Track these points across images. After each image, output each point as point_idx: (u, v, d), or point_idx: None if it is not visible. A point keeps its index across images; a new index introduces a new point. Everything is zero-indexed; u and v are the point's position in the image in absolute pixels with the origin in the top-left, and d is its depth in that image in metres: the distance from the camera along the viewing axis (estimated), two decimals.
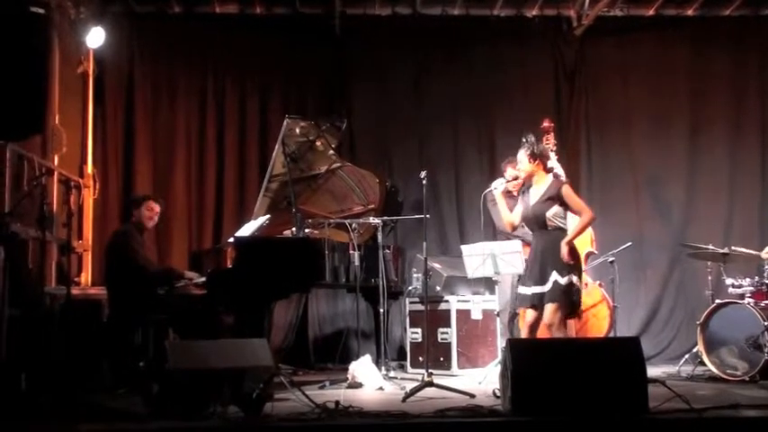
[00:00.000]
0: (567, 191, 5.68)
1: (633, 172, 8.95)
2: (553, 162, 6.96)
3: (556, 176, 6.10)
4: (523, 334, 5.79)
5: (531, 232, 7.22)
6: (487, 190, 6.20)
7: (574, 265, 5.56)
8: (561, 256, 5.50)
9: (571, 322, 6.82)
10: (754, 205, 8.88)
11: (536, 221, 5.69)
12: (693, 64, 9.07)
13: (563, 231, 5.65)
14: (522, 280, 5.85)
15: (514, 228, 6.03)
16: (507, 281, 7.06)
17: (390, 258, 7.40)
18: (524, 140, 5.80)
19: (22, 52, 4.88)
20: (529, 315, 5.70)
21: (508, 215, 5.96)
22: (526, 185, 5.92)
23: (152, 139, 8.64)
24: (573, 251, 5.59)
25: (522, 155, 5.77)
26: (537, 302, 5.59)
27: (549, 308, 5.50)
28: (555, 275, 5.50)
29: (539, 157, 5.76)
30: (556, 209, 5.66)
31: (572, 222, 5.74)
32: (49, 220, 6.59)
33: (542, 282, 5.55)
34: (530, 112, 8.54)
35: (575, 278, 5.54)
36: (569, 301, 5.55)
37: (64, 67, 7.73)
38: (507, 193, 7.49)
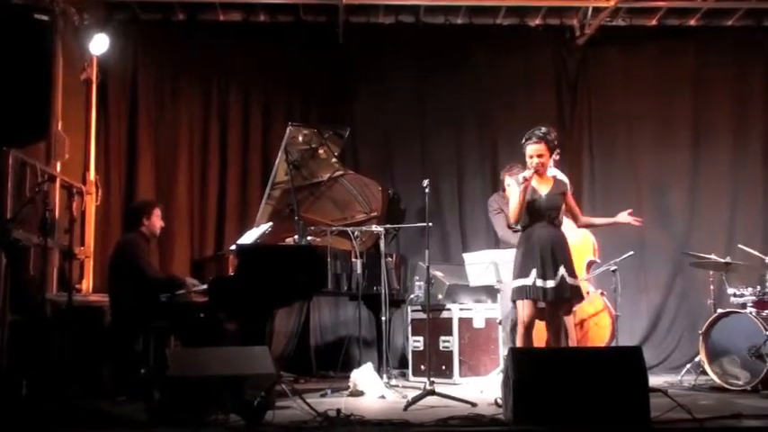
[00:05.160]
0: (570, 190, 5.80)
1: (636, 180, 8.96)
2: (555, 170, 6.95)
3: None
4: (519, 332, 5.59)
5: None
6: (515, 179, 5.95)
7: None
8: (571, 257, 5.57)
9: (573, 330, 6.82)
10: (756, 214, 8.89)
11: (549, 212, 5.61)
12: (696, 73, 9.08)
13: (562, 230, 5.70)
14: (520, 272, 5.60)
15: (518, 221, 5.75)
16: (509, 289, 7.04)
17: (392, 266, 7.41)
18: (543, 132, 5.68)
19: (26, 59, 4.89)
20: (527, 309, 5.50)
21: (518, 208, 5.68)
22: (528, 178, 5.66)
23: (155, 145, 8.64)
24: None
25: (543, 148, 5.65)
26: (541, 296, 5.47)
27: (564, 311, 5.56)
28: (563, 271, 5.47)
29: (556, 148, 5.72)
30: (564, 206, 5.70)
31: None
32: (51, 226, 6.60)
33: (547, 276, 5.48)
34: (532, 120, 8.43)
35: (577, 280, 5.61)
36: (570, 301, 5.62)
37: (67, 74, 7.74)
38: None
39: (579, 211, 5.91)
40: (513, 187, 5.70)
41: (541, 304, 5.54)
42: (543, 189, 5.65)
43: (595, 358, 5.00)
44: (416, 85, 8.98)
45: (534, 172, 5.61)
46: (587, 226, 6.23)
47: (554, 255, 5.52)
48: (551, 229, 5.62)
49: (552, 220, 5.63)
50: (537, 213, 5.62)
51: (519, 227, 5.75)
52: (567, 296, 5.51)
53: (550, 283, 5.47)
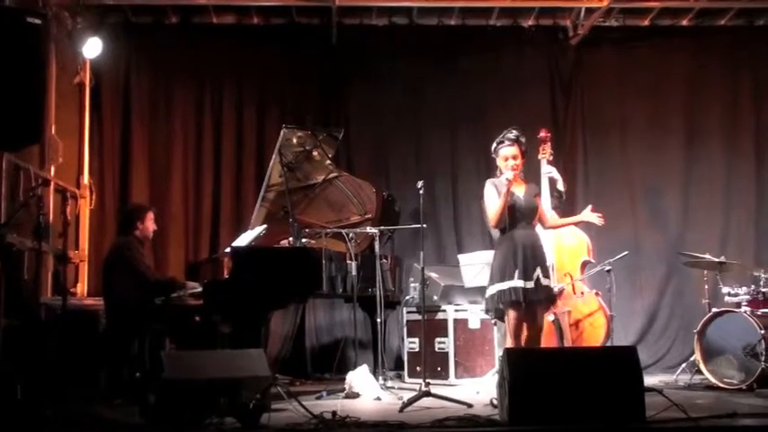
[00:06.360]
0: (563, 188, 5.80)
1: (629, 181, 8.98)
2: (548, 168, 6.95)
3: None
4: (509, 338, 5.53)
5: None
6: (491, 183, 5.86)
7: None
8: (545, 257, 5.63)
9: (568, 330, 6.82)
10: (750, 213, 8.91)
11: (530, 214, 5.64)
12: (689, 73, 9.11)
13: None
14: (502, 274, 5.53)
15: (499, 224, 5.63)
16: None
17: (387, 268, 7.39)
18: (516, 134, 5.62)
19: (19, 63, 4.88)
20: (513, 320, 5.46)
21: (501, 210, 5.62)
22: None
23: (148, 149, 8.64)
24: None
25: (517, 150, 5.63)
26: (521, 297, 5.42)
27: (541, 313, 5.53)
28: (538, 272, 5.49)
29: (526, 150, 5.74)
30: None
31: None
32: (46, 230, 6.56)
33: (528, 277, 5.46)
34: (526, 121, 8.46)
35: (550, 281, 5.65)
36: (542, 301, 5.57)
37: (60, 78, 7.74)
38: None
39: (545, 213, 5.93)
40: (491, 190, 5.66)
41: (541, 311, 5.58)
42: (519, 191, 5.67)
43: (591, 358, 5.01)
44: (410, 87, 8.99)
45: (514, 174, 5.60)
46: (554, 227, 6.20)
47: (534, 256, 5.54)
48: (529, 230, 5.66)
49: (530, 222, 5.67)
50: (516, 215, 5.61)
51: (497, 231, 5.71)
52: (540, 297, 5.49)
53: (529, 284, 5.46)
